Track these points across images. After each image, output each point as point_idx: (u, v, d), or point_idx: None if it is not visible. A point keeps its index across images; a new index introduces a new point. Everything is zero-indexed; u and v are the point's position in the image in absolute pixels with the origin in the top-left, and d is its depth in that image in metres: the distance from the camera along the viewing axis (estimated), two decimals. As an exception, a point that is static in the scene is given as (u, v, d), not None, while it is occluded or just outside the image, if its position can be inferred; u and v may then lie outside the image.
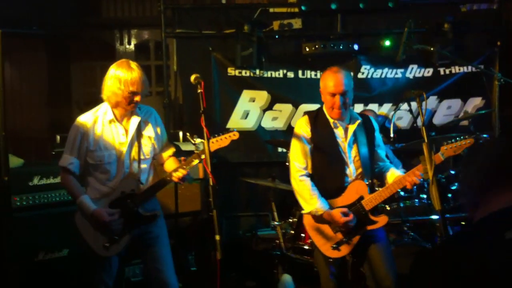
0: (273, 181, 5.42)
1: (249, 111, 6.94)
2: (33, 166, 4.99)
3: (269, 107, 6.96)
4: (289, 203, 5.35)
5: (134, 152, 3.85)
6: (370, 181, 3.94)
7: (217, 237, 3.21)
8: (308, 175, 3.96)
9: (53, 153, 5.66)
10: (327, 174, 3.93)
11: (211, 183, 3.29)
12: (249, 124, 6.96)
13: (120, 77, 3.70)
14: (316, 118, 3.98)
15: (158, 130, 4.00)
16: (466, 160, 1.90)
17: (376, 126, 4.08)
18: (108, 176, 3.80)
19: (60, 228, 4.61)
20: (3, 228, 4.06)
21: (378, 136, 4.07)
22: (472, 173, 1.83)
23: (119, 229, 3.74)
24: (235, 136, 3.88)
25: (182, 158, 3.86)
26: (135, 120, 3.86)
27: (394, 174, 3.93)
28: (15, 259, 4.43)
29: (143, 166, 3.90)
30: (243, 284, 5.54)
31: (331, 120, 3.93)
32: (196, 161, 3.82)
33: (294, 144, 4.01)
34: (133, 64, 3.78)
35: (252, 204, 7.00)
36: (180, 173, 3.78)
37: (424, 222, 5.35)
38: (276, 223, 5.26)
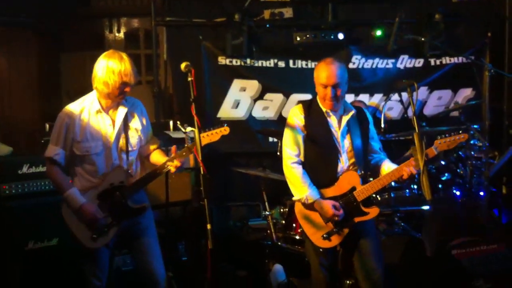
0: (264, 171, 5.41)
1: (240, 100, 6.92)
2: (22, 155, 4.95)
3: (260, 96, 6.95)
4: (280, 193, 5.34)
5: (121, 143, 3.81)
6: (362, 172, 3.93)
7: (209, 226, 3.19)
8: (300, 163, 3.94)
9: (42, 141, 5.61)
10: (320, 163, 3.91)
11: (202, 172, 3.28)
12: (240, 113, 6.95)
13: (113, 68, 3.64)
14: (309, 107, 3.97)
15: (144, 122, 3.97)
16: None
17: (370, 118, 4.07)
18: (95, 167, 3.75)
19: (49, 217, 4.56)
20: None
21: (372, 128, 4.06)
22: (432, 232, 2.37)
23: (106, 223, 3.72)
24: (225, 131, 3.86)
25: (173, 151, 3.81)
26: (122, 110, 3.82)
27: (389, 166, 3.92)
28: (5, 248, 4.40)
29: (131, 158, 3.86)
30: (234, 274, 5.52)
31: (324, 109, 3.92)
32: (187, 155, 3.80)
33: (287, 132, 3.99)
34: (124, 55, 3.72)
35: (243, 194, 6.99)
36: (178, 162, 3.75)
37: (415, 212, 5.38)
38: (267, 213, 5.25)
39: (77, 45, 7.92)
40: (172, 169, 3.77)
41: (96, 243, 3.70)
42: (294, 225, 5.02)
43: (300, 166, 3.92)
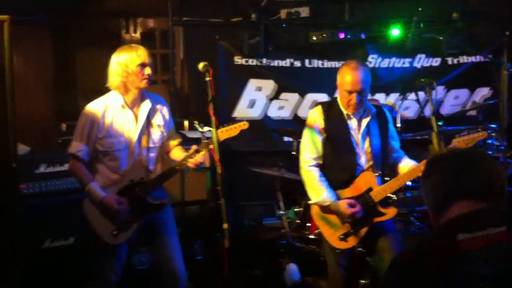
0: (279, 171, 5.40)
1: (256, 100, 6.92)
2: (39, 154, 4.98)
3: (276, 96, 6.94)
4: (295, 193, 5.33)
5: (144, 140, 3.83)
6: (380, 172, 3.90)
7: (225, 225, 3.19)
8: (317, 165, 3.92)
9: (59, 141, 5.65)
10: (339, 165, 3.88)
11: (219, 172, 3.27)
12: (256, 113, 6.94)
13: (125, 58, 3.69)
14: (329, 109, 3.94)
15: (167, 118, 3.99)
16: (424, 174, 2.11)
17: (389, 117, 4.03)
18: (118, 163, 3.79)
19: (66, 216, 4.59)
20: (12, 215, 4.05)
21: (391, 127, 4.02)
22: (429, 189, 2.04)
23: (127, 217, 3.74)
24: (244, 126, 3.85)
25: (194, 147, 3.82)
26: (145, 106, 3.84)
27: (407, 165, 3.89)
28: (21, 247, 4.43)
29: (152, 154, 3.88)
30: (249, 273, 5.53)
31: (344, 112, 3.89)
32: (204, 151, 3.80)
33: (306, 134, 3.97)
34: (133, 44, 3.79)
35: (257, 193, 6.98)
36: (199, 158, 3.74)
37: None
38: (282, 212, 5.24)
39: (93, 44, 7.94)
40: (191, 165, 3.76)
41: (116, 239, 3.72)
42: (309, 224, 5.01)
43: (317, 169, 3.91)
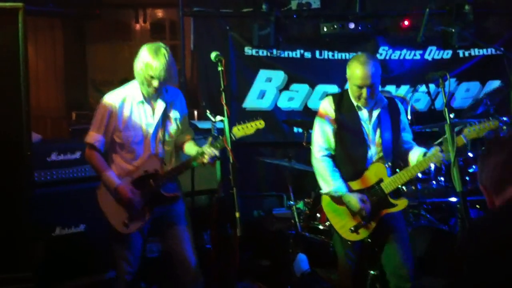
0: (289, 161, 5.40)
1: (266, 91, 6.92)
2: (51, 142, 5.00)
3: (286, 87, 6.94)
4: (305, 183, 5.33)
5: (160, 133, 3.86)
6: (390, 164, 3.89)
7: (237, 214, 3.20)
8: (330, 156, 3.91)
9: (70, 130, 5.68)
10: (349, 156, 3.87)
11: (231, 161, 3.28)
12: (265, 104, 6.94)
13: (144, 60, 3.66)
14: (340, 100, 3.92)
15: (183, 112, 4.02)
16: (484, 153, 2.05)
17: (402, 109, 4.01)
18: (134, 155, 3.82)
19: (77, 204, 4.63)
20: (26, 202, 4.08)
21: (404, 119, 4.00)
22: (490, 167, 1.98)
23: (140, 207, 3.76)
24: (261, 125, 3.86)
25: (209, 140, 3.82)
26: (162, 100, 3.85)
27: (417, 154, 3.87)
28: (32, 234, 4.46)
29: (168, 148, 3.91)
30: (258, 263, 5.55)
31: (355, 103, 3.87)
32: (221, 146, 3.78)
33: (317, 124, 3.96)
34: (162, 49, 3.66)
35: (267, 184, 7.00)
36: (213, 151, 3.74)
37: (441, 204, 5.33)
38: (291, 203, 5.25)
39: (103, 35, 7.97)
40: (207, 156, 3.76)
41: (128, 228, 3.76)
42: (318, 215, 5.01)
43: (329, 159, 3.89)
